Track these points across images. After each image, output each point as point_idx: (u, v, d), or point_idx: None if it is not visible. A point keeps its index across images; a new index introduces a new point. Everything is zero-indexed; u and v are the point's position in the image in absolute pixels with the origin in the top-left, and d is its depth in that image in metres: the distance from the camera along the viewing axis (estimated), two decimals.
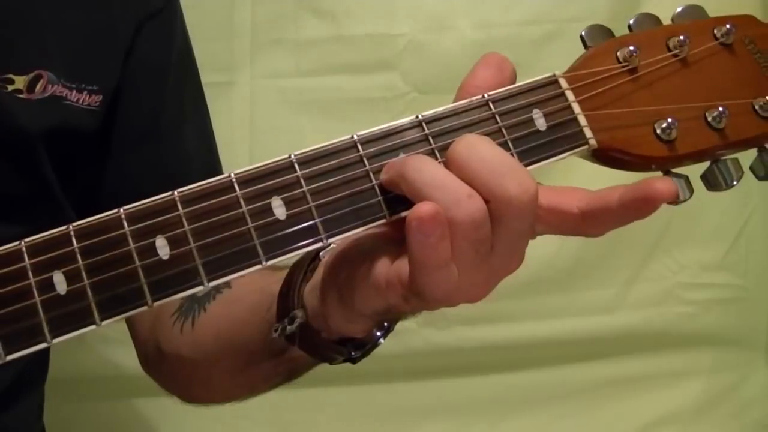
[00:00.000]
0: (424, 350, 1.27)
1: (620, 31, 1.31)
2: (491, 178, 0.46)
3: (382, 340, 0.57)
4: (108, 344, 1.18)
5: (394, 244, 0.49)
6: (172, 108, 0.78)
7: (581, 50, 1.29)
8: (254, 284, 0.63)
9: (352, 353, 0.57)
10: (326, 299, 0.54)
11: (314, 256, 0.57)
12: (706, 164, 0.54)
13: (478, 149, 0.47)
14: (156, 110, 0.77)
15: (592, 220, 0.50)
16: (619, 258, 1.31)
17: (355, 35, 1.21)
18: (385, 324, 0.57)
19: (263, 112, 1.21)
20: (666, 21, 0.56)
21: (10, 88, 0.66)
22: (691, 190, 0.52)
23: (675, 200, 0.51)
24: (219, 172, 0.49)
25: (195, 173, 0.77)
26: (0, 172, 0.68)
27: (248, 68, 1.20)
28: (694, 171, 0.54)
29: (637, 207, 0.48)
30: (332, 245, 0.50)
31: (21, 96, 0.67)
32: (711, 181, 0.54)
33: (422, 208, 0.45)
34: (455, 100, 0.52)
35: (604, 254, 1.29)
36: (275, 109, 1.20)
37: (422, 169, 0.46)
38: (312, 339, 0.57)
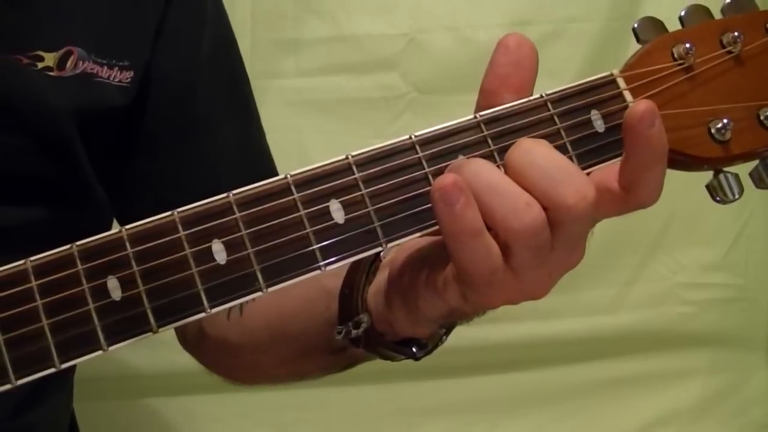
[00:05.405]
0: None
1: (621, 30, 1.31)
2: (548, 185, 0.45)
3: (445, 338, 0.57)
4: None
5: None
6: (208, 100, 0.76)
7: (581, 50, 1.30)
8: None
9: (416, 353, 0.57)
10: (392, 305, 0.54)
11: (375, 257, 0.56)
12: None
13: (534, 155, 0.46)
14: (188, 95, 0.75)
15: (629, 185, 0.48)
16: (619, 258, 1.31)
17: (355, 35, 1.21)
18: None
19: (263, 112, 1.20)
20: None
21: (40, 65, 0.65)
22: (741, 188, 0.52)
23: (724, 199, 0.52)
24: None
25: (229, 178, 0.75)
26: (30, 152, 0.66)
27: (248, 68, 1.20)
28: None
29: (636, 138, 0.46)
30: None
31: (51, 74, 0.65)
32: (759, 180, 0.54)
33: (443, 179, 0.44)
34: (482, 89, 0.51)
35: (604, 254, 1.29)
36: (275, 109, 1.20)
37: (479, 174, 0.45)
38: (376, 341, 0.56)
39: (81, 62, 0.66)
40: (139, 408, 1.25)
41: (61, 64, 0.66)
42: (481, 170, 0.46)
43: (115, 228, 0.74)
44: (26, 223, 0.67)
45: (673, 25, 0.55)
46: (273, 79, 1.21)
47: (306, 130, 1.22)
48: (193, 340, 0.77)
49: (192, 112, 0.75)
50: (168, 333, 0.46)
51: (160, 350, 1.13)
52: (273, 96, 1.21)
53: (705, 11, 0.55)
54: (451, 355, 1.26)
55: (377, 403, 1.30)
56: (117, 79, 0.69)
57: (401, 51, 1.22)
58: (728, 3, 0.55)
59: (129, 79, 0.70)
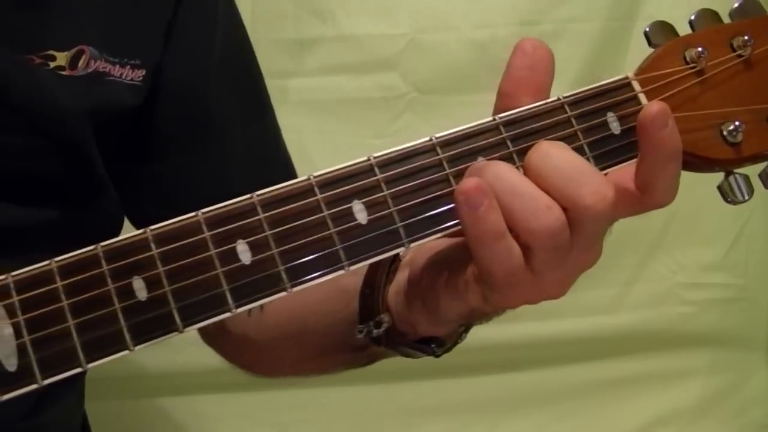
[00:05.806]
0: None
1: (621, 30, 1.30)
2: (567, 186, 0.46)
3: (464, 336, 0.58)
4: None
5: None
6: (220, 100, 0.76)
7: (581, 50, 1.30)
8: None
9: (436, 351, 0.57)
10: (412, 307, 0.54)
11: (394, 256, 0.56)
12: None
13: (553, 157, 0.47)
14: (200, 95, 0.75)
15: (644, 185, 0.50)
16: (619, 258, 1.31)
17: (355, 35, 1.21)
18: None
19: None
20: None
21: (52, 65, 0.64)
22: (751, 190, 0.53)
23: (735, 200, 0.53)
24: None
25: (242, 178, 0.74)
26: (43, 153, 0.66)
27: None
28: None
29: (649, 138, 0.48)
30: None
31: (63, 73, 0.65)
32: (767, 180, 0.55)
33: (467, 183, 0.45)
34: (499, 91, 0.51)
35: (604, 254, 1.28)
36: (275, 109, 1.20)
37: (501, 177, 0.46)
38: (397, 339, 0.57)
39: (93, 61, 0.66)
40: (141, 408, 1.25)
41: (73, 63, 0.65)
42: (501, 173, 0.47)
43: (127, 227, 0.74)
44: (39, 224, 0.67)
45: (676, 25, 0.56)
46: (273, 79, 1.20)
47: (306, 130, 1.22)
48: (213, 336, 0.77)
49: (203, 112, 0.75)
50: None
51: (160, 350, 1.13)
52: (273, 96, 1.20)
53: (714, 15, 0.56)
54: (451, 355, 1.26)
55: (377, 403, 1.30)
56: (129, 78, 0.69)
57: (401, 51, 1.22)
58: (736, 7, 0.56)
59: (141, 78, 0.69)
